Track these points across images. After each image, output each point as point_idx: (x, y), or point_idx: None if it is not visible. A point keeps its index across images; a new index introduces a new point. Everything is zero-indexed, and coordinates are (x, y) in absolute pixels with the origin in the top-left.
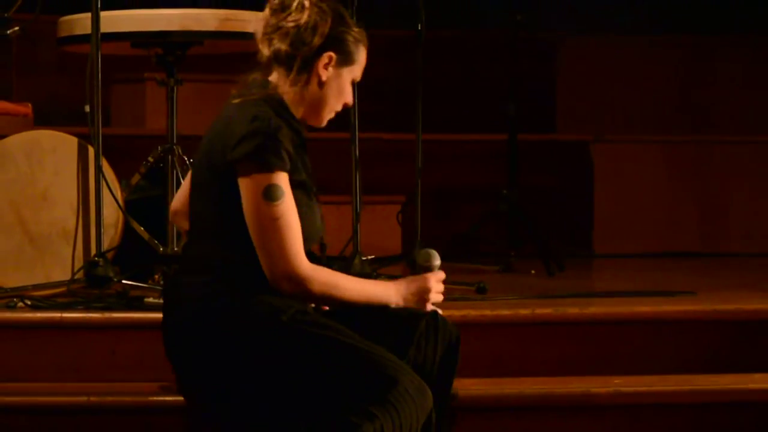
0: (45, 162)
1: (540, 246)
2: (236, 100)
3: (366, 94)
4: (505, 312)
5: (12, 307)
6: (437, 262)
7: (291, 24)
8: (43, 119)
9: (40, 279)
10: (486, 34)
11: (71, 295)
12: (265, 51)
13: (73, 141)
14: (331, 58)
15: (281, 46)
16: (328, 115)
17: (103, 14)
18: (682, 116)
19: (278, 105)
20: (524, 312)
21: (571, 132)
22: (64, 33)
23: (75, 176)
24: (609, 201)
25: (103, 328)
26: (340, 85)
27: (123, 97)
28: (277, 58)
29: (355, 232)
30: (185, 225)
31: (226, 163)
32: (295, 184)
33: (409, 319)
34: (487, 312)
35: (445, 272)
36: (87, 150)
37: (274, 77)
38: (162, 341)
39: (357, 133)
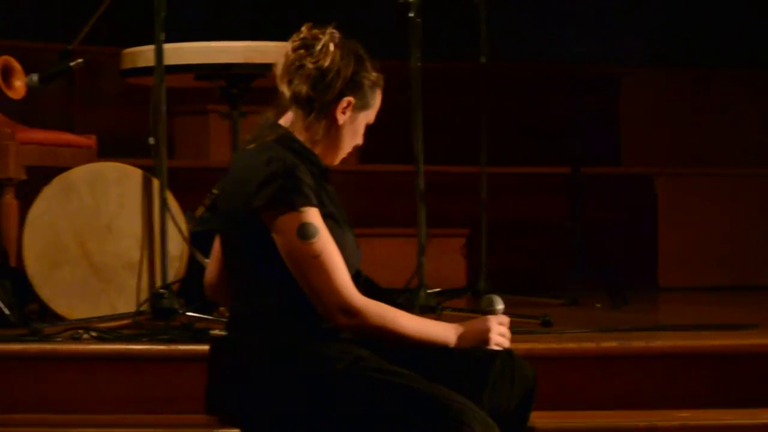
0: (109, 194)
1: (604, 279)
2: (250, 146)
3: (430, 127)
4: (571, 345)
5: (77, 339)
6: (500, 306)
7: (313, 66)
8: (106, 151)
9: (105, 311)
10: (549, 67)
11: (136, 327)
12: (285, 90)
13: (137, 173)
14: (349, 103)
15: (302, 88)
16: (341, 156)
17: (166, 46)
18: (745, 148)
19: (292, 142)
20: (589, 345)
21: (635, 165)
22: (127, 65)
23: (139, 208)
24: (674, 234)
25: (168, 360)
26: (356, 128)
27: (187, 129)
28: (297, 100)
29: (419, 264)
30: (222, 300)
31: (251, 212)
32: (324, 216)
33: (482, 359)
34: (553, 345)
35: (510, 305)
36: (151, 182)
37: (287, 118)
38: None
39: (422, 165)
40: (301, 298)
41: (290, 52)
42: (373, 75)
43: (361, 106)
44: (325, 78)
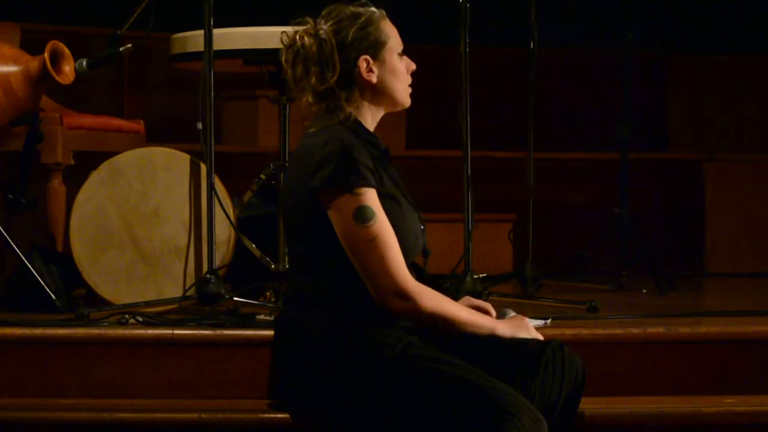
0: (157, 179)
1: (651, 265)
2: (312, 129)
3: (478, 112)
4: (617, 331)
5: (124, 324)
6: (512, 314)
7: (308, 64)
8: (154, 136)
9: (151, 296)
10: (597, 53)
11: (183, 311)
12: (309, 99)
13: (185, 158)
14: (366, 61)
15: (317, 87)
16: (404, 94)
17: (215, 31)
18: None
19: (352, 123)
20: (636, 331)
21: (683, 151)
22: (176, 50)
23: (187, 193)
24: (721, 220)
25: (214, 345)
26: (391, 67)
27: (235, 114)
28: (321, 96)
29: (467, 250)
30: None
31: (309, 193)
32: (382, 196)
33: (533, 349)
34: (599, 331)
35: (556, 291)
36: (199, 167)
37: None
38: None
39: (469, 151)
40: (354, 281)
41: (287, 68)
42: (363, 18)
43: (377, 51)
44: (326, 66)
